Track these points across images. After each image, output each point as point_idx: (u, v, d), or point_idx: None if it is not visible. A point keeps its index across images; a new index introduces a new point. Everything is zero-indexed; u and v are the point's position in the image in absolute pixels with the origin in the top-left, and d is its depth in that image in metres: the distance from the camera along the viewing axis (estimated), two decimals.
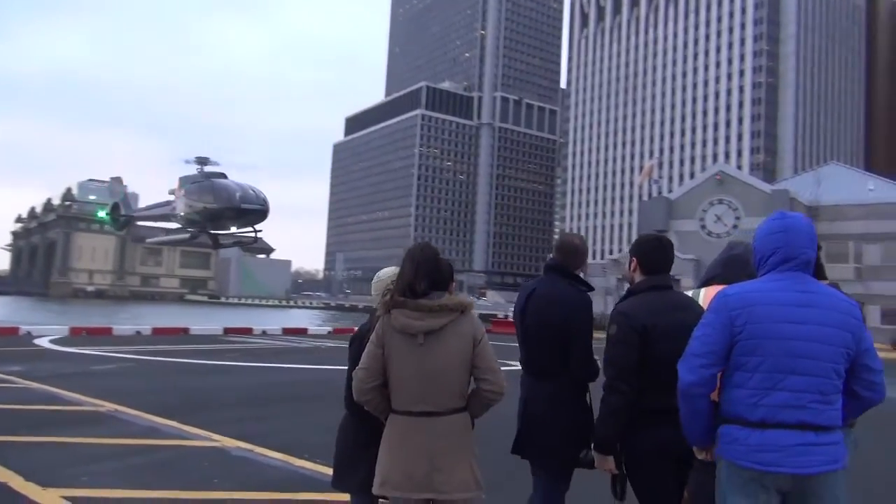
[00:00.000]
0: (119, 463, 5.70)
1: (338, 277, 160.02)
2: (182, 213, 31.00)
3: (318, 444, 6.58)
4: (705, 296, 3.49)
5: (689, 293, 3.57)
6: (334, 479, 3.17)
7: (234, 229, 31.63)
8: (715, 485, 2.44)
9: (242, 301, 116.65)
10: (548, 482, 3.36)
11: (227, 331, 23.88)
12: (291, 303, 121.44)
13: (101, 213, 38.99)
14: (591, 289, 3.60)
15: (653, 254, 3.19)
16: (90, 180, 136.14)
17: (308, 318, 60.75)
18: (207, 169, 30.94)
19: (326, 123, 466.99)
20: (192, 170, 31.25)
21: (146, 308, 73.38)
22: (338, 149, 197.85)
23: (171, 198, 33.00)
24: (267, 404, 9.09)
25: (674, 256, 3.27)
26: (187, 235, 33.36)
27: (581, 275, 3.60)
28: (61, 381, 10.15)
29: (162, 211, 34.09)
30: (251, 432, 6.98)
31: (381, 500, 2.84)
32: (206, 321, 33.32)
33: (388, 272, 3.09)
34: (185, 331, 22.95)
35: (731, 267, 3.52)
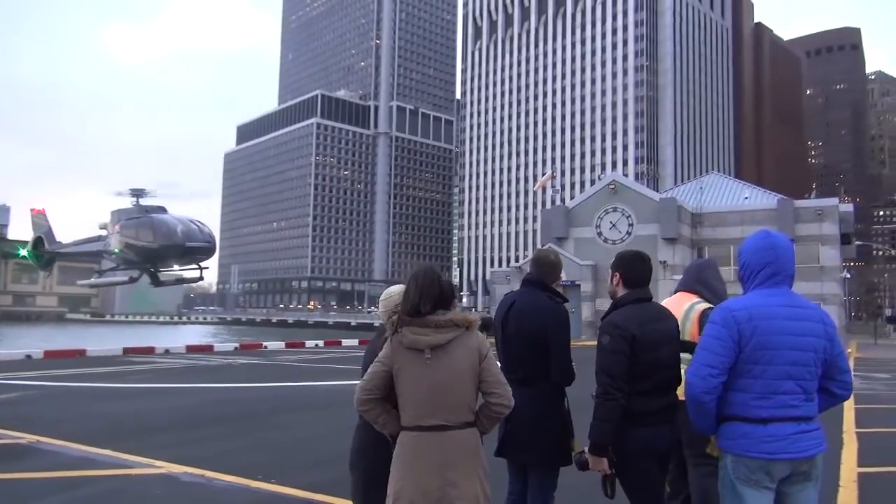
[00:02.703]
0: (64, 496, 5.39)
1: (232, 291, 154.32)
2: (117, 251, 28.02)
3: (267, 464, 6.49)
4: (669, 303, 3.91)
5: None
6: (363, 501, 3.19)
7: (176, 267, 29.03)
8: (719, 477, 2.74)
9: (130, 319, 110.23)
10: (539, 484, 3.58)
11: (127, 351, 22.59)
12: (184, 319, 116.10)
13: (23, 251, 33.64)
14: (567, 300, 3.86)
15: (635, 268, 3.42)
16: None
17: (205, 335, 58.43)
18: (144, 201, 28.05)
19: (215, 131, 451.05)
20: (126, 203, 28.29)
21: (24, 330, 67.92)
22: (229, 158, 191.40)
23: (103, 232, 29.92)
24: (200, 426, 8.79)
25: (652, 270, 3.56)
26: (125, 279, 30.31)
27: (557, 287, 3.86)
28: None
29: (93, 248, 30.61)
30: (194, 456, 6.73)
31: None
32: (99, 342, 31.32)
33: (395, 293, 3.19)
34: (82, 353, 21.48)
35: (694, 273, 4.02)
